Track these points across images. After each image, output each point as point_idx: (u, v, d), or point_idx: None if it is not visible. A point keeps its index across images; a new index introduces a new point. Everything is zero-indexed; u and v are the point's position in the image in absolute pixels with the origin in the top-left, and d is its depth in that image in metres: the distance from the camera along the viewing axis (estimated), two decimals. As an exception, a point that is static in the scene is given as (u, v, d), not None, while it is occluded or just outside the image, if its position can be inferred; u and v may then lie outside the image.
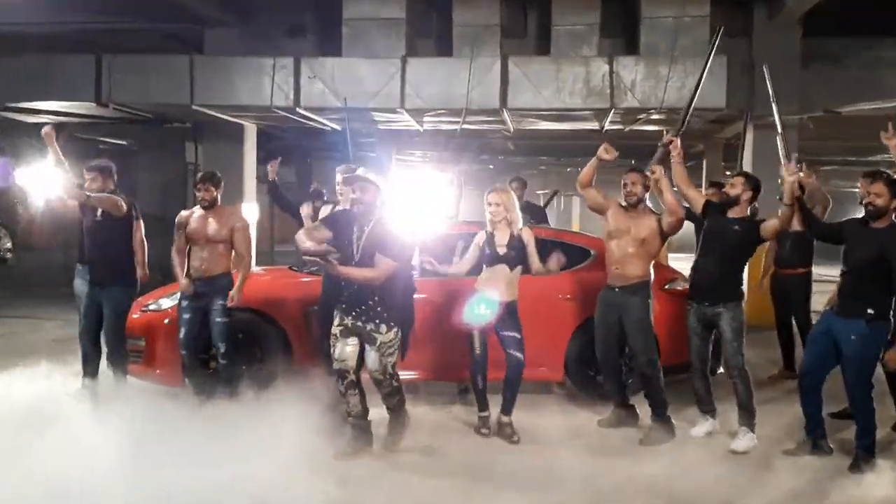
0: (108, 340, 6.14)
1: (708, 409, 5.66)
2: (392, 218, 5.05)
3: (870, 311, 4.84)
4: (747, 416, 5.41)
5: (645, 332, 5.54)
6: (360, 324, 4.96)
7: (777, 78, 7.07)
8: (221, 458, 4.40)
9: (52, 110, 11.55)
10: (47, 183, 6.20)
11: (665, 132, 5.96)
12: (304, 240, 4.92)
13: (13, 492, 4.02)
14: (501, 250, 5.49)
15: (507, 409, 5.56)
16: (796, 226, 5.59)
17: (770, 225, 5.35)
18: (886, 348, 4.91)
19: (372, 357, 4.98)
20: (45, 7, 10.03)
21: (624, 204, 5.65)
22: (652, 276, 5.66)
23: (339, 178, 5.96)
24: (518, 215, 5.59)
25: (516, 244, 5.48)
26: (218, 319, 5.91)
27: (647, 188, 5.60)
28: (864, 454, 4.95)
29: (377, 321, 4.94)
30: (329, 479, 4.50)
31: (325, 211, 6.16)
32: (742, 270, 5.58)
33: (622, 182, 5.62)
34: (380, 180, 5.01)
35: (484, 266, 5.57)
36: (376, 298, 4.93)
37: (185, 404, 5.66)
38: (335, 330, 5.06)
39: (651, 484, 4.72)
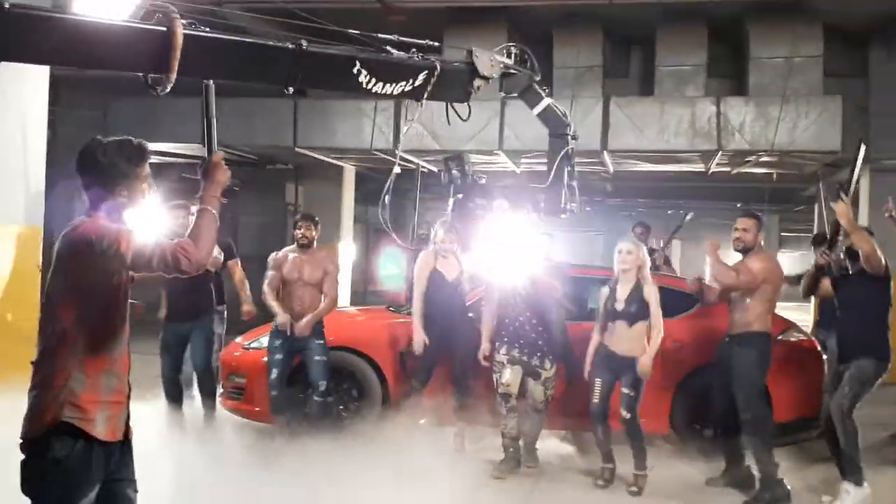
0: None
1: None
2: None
3: None
4: (851, 470, 5.08)
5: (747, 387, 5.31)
6: (525, 358, 5.60)
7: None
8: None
9: (160, 151, 12.09)
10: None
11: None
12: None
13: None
14: (620, 306, 5.43)
15: (635, 463, 5.47)
16: None
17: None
18: None
19: (538, 390, 5.62)
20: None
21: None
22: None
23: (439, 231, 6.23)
24: (647, 273, 5.50)
25: (637, 299, 5.39)
26: (317, 358, 5.98)
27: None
28: None
29: (539, 355, 5.60)
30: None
31: (423, 254, 6.33)
32: (876, 322, 5.23)
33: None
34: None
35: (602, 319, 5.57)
36: (539, 331, 5.61)
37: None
38: (502, 358, 5.67)
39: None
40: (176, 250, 2.62)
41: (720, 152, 9.93)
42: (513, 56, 4.13)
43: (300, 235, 6.13)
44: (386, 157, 11.17)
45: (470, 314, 6.27)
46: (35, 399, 2.65)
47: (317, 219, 6.30)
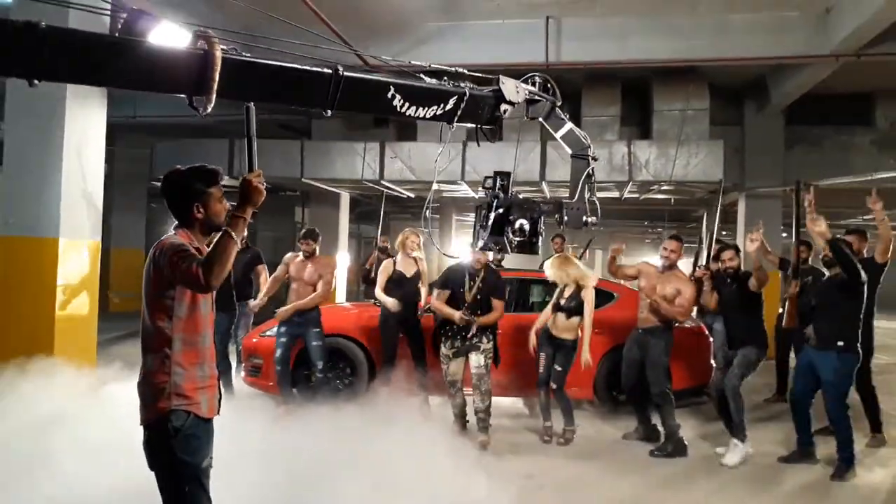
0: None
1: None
2: (495, 270, 5.37)
3: (839, 343, 4.71)
4: (738, 431, 5.15)
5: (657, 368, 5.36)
6: (467, 344, 5.34)
7: (764, 158, 6.97)
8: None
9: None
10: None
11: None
12: (442, 309, 5.40)
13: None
14: (563, 301, 5.52)
15: (565, 421, 5.56)
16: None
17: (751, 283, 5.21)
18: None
19: (476, 358, 5.35)
20: (193, 103, 10.45)
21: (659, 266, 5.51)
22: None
23: (404, 238, 6.22)
24: (583, 275, 5.49)
25: (576, 298, 5.46)
26: (314, 343, 5.93)
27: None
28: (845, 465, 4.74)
29: (478, 332, 5.31)
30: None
31: (385, 264, 6.27)
32: (754, 318, 5.28)
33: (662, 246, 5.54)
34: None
35: (551, 310, 5.61)
36: (477, 328, 5.31)
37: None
38: (448, 352, 5.40)
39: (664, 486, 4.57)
40: (190, 272, 2.37)
41: (631, 182, 10.05)
42: (536, 84, 3.65)
43: (303, 248, 6.09)
44: (373, 185, 11.16)
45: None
46: (146, 392, 2.54)
47: (316, 232, 6.19)
